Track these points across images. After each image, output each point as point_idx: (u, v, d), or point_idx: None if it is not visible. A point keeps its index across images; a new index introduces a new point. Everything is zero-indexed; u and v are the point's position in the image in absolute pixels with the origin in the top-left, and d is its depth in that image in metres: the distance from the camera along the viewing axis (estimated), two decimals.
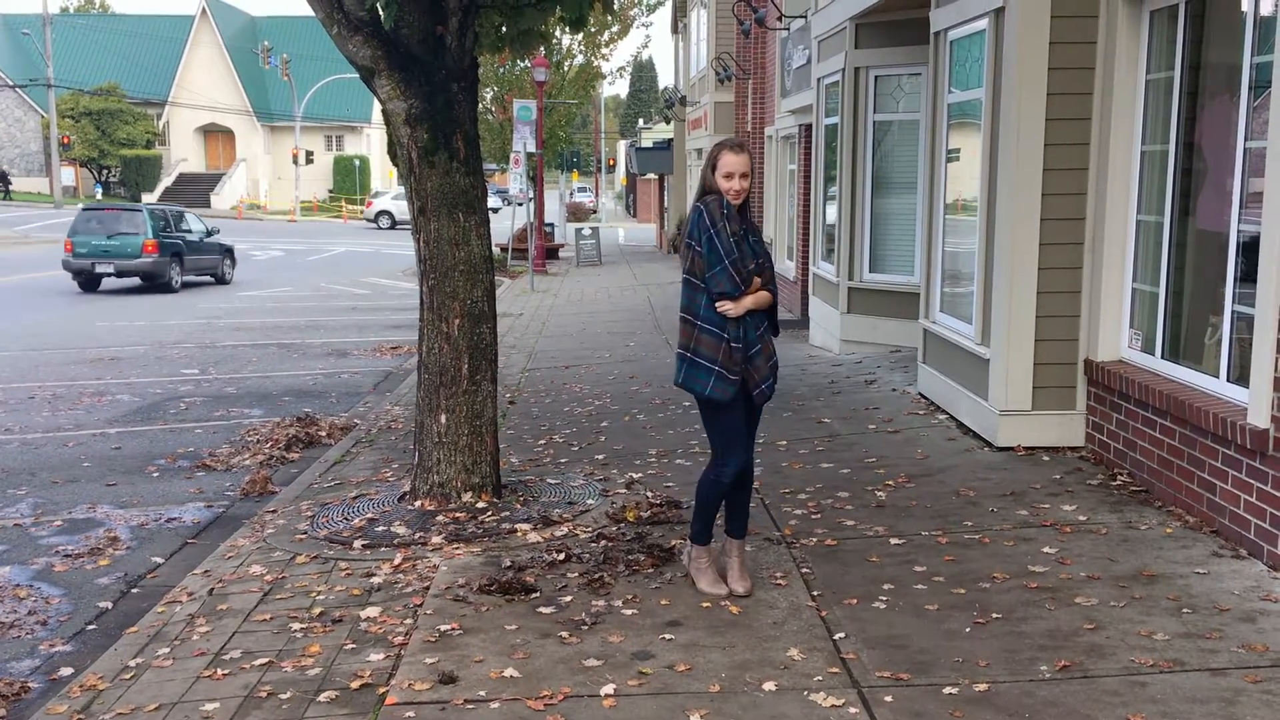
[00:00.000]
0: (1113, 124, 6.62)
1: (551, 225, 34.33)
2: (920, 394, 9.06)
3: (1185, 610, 4.55)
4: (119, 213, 23.60)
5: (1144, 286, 6.58)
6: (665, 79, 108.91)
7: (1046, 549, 5.34)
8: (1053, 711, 3.77)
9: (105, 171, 58.57)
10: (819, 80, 12.84)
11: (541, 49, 9.22)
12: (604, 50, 30.53)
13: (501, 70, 28.46)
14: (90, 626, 5.34)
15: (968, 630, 4.46)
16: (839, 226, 11.85)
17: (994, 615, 4.59)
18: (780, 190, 18.20)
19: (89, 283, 22.61)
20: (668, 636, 4.51)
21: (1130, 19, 6.52)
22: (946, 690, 3.95)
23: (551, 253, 31.23)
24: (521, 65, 27.45)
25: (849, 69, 11.36)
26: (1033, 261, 6.95)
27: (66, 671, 4.74)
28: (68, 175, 57.61)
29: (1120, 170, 6.65)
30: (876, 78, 11.30)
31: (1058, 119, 6.83)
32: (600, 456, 7.80)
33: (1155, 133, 6.45)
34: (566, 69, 30.40)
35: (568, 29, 7.98)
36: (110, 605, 5.60)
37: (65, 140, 54.04)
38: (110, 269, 22.25)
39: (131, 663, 4.54)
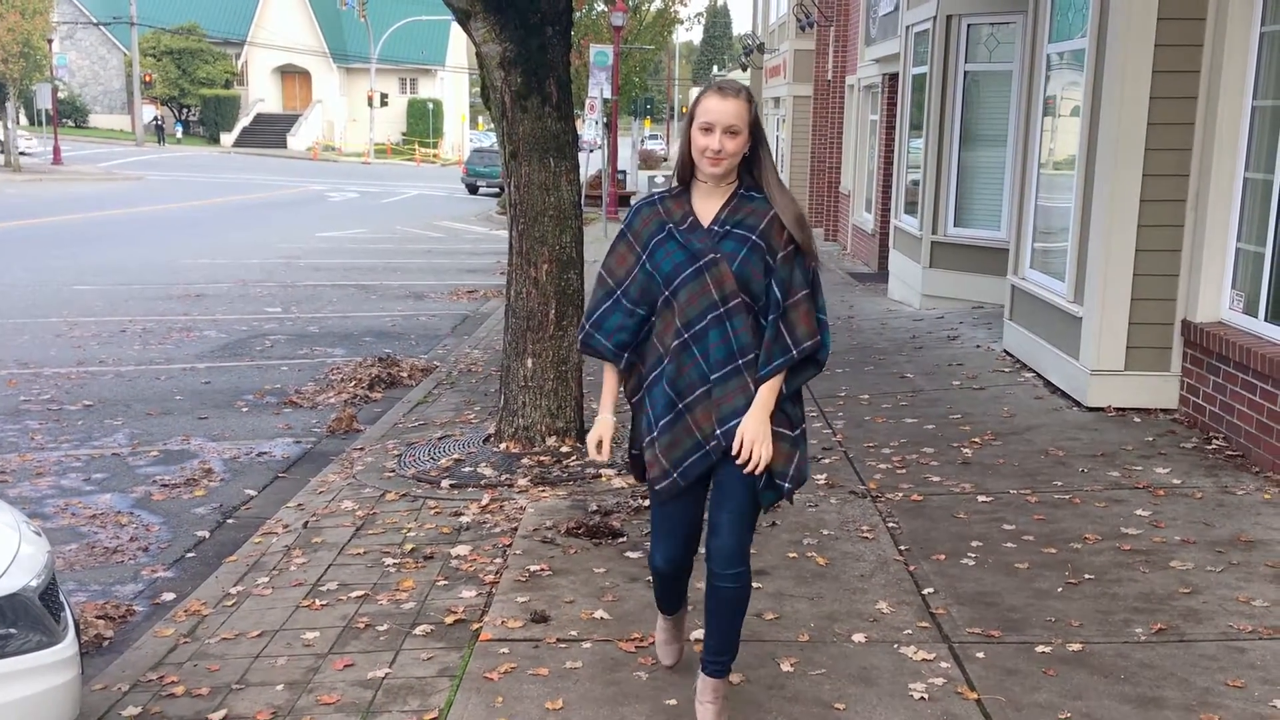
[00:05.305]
0: (1223, 77, 6.39)
1: (624, 172, 34.17)
2: (1005, 351, 8.93)
3: None
4: (489, 153, 38.30)
5: (1249, 246, 6.38)
6: (740, 26, 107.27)
7: (1139, 511, 5.25)
8: (1149, 674, 3.73)
9: (185, 110, 59.45)
10: (907, 28, 12.56)
11: None
12: None
13: (578, 14, 28.28)
14: (189, 554, 5.50)
15: (1059, 590, 4.42)
16: (924, 179, 11.65)
17: (1086, 576, 4.54)
18: (860, 142, 17.91)
19: (472, 189, 37.64)
20: (756, 585, 4.51)
21: None
22: (1039, 649, 3.92)
23: (624, 199, 31.10)
24: (599, 10, 27.24)
25: (940, 16, 11.10)
26: (1132, 218, 6.78)
27: (169, 597, 4.89)
28: (149, 113, 58.58)
29: (1229, 125, 6.43)
30: (969, 26, 11.03)
31: (1165, 71, 6.62)
32: None
33: (1268, 87, 6.22)
34: (643, 13, 30.12)
35: None
36: (208, 534, 5.76)
37: (147, 79, 54.90)
38: (484, 183, 37.10)
39: (232, 590, 4.68)
